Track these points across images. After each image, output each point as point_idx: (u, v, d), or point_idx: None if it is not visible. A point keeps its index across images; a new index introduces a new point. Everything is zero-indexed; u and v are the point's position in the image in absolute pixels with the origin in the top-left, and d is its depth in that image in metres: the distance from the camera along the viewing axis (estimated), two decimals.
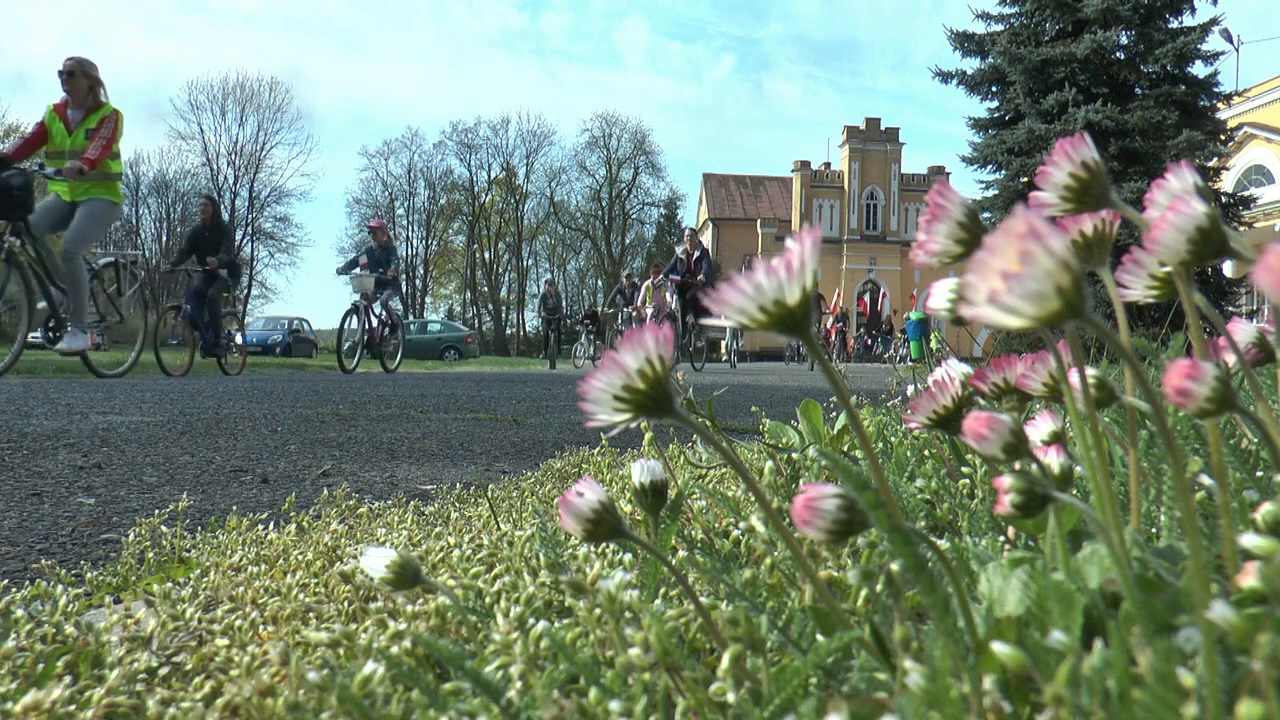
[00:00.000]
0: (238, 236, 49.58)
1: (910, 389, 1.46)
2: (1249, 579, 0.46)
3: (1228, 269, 16.86)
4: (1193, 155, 15.43)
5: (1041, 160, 0.58)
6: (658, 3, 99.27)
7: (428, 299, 55.24)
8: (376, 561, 0.66)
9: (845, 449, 1.38)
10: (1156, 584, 0.53)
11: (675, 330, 10.66)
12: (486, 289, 57.21)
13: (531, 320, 56.30)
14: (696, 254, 12.89)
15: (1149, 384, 0.50)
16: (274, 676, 0.67)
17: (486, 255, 56.22)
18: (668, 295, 12.73)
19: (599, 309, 12.09)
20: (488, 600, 0.79)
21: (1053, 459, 0.66)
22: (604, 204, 54.24)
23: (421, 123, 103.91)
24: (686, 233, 13.13)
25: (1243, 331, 0.69)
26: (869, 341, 26.55)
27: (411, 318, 41.34)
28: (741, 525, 0.90)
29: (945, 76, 18.28)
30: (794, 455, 1.24)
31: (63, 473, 2.18)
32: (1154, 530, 0.71)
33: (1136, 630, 0.45)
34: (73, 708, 0.64)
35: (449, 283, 57.49)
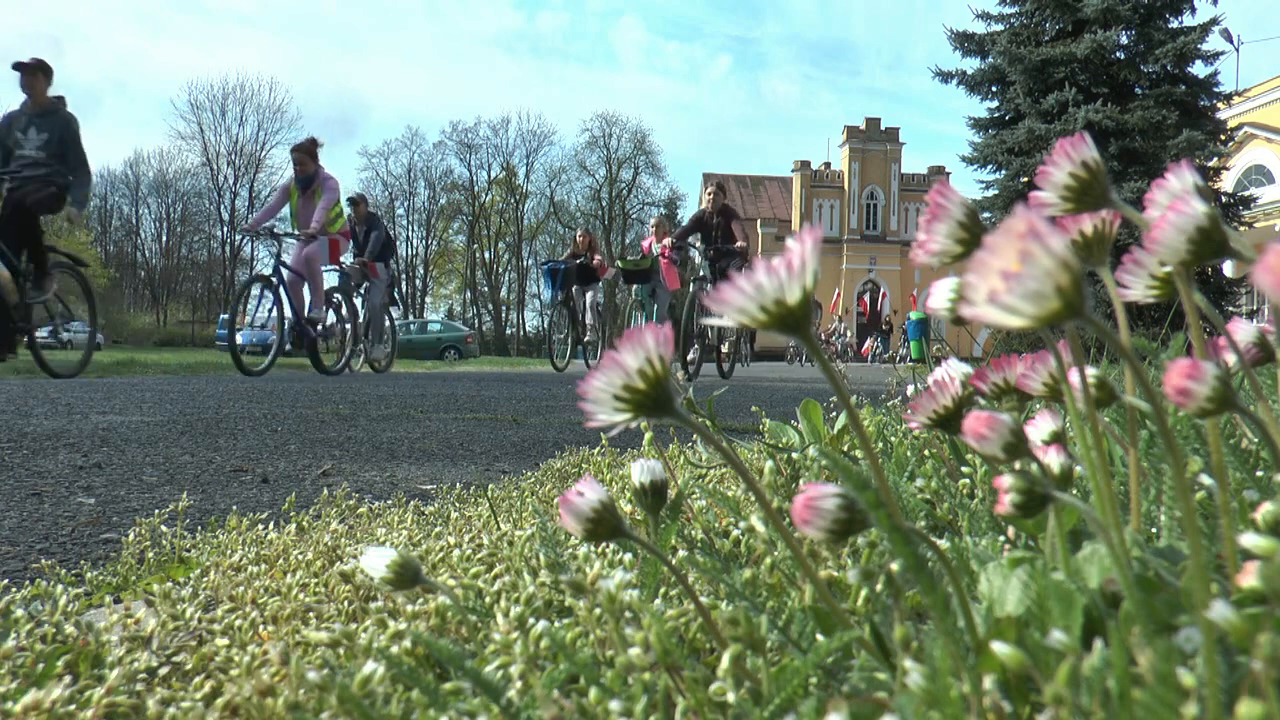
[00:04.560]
0: (237, 236, 49.65)
1: (910, 389, 1.46)
2: (1249, 579, 0.46)
3: (1228, 269, 16.86)
4: (1193, 155, 15.44)
5: (1041, 160, 0.58)
6: (653, 2, 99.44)
7: (428, 299, 55.32)
8: (376, 561, 0.66)
9: (845, 449, 1.38)
10: (1156, 584, 0.52)
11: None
12: (486, 289, 57.31)
13: (532, 320, 56.35)
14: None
15: (1149, 384, 0.50)
16: (274, 676, 0.67)
17: (486, 255, 56.31)
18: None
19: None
20: (488, 600, 0.79)
21: (1053, 459, 0.66)
22: (604, 204, 54.22)
23: (421, 123, 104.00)
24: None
25: (1243, 331, 0.69)
26: (871, 336, 26.47)
27: (412, 317, 41.21)
28: (741, 525, 0.90)
29: (945, 76, 18.29)
30: (794, 455, 1.24)
31: (63, 473, 2.18)
32: (1154, 530, 0.71)
33: (1136, 630, 0.45)
34: (73, 707, 0.64)
35: (449, 283, 57.54)
